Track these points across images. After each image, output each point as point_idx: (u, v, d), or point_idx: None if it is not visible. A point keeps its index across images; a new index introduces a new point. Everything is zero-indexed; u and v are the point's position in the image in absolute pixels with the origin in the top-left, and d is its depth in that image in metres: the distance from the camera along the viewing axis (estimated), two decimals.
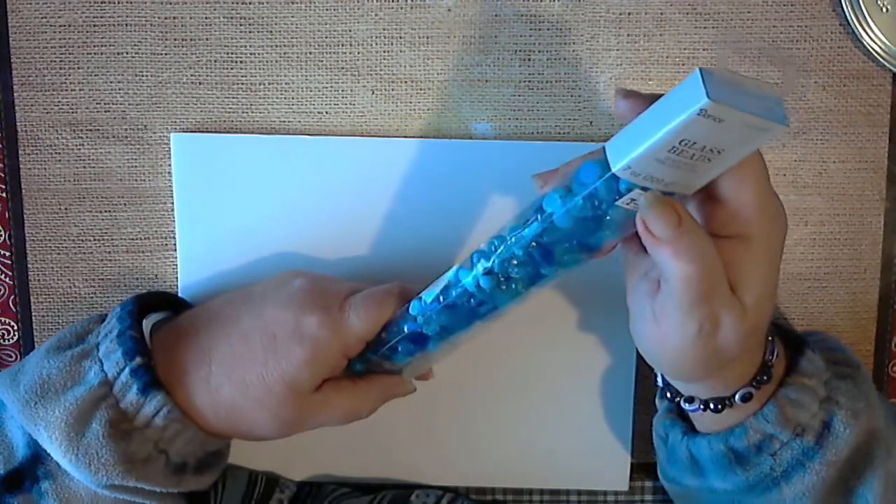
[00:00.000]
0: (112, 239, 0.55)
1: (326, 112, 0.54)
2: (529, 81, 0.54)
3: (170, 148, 0.53)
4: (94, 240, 0.55)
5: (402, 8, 0.53)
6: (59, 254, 0.55)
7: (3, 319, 0.56)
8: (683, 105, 0.36)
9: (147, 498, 0.46)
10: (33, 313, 0.55)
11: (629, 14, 0.53)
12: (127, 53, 0.53)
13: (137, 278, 0.55)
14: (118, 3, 0.53)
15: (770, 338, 0.46)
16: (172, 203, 0.54)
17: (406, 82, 0.54)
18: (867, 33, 0.52)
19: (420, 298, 0.45)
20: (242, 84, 0.53)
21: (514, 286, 0.43)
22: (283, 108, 0.54)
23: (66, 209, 0.54)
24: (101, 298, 0.55)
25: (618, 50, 0.53)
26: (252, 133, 0.54)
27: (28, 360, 0.47)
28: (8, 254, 0.55)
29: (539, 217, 0.41)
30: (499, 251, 0.42)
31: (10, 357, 0.56)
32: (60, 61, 0.53)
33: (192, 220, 0.54)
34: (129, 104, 0.53)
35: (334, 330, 0.45)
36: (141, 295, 0.50)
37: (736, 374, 0.45)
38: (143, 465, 0.45)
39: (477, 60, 0.53)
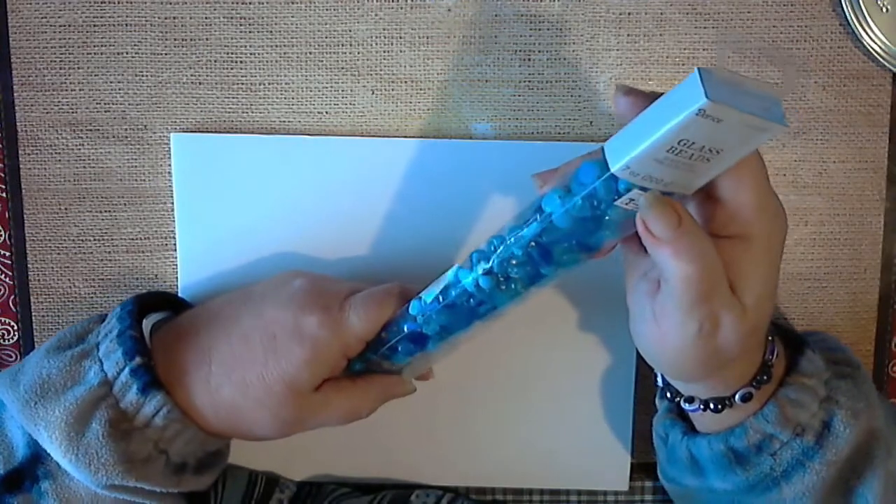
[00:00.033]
0: (112, 239, 0.55)
1: (326, 112, 0.54)
2: (529, 81, 0.54)
3: (170, 148, 0.53)
4: (94, 240, 0.55)
5: (402, 8, 0.53)
6: (59, 254, 0.55)
7: (3, 319, 0.56)
8: (682, 105, 0.35)
9: (147, 498, 0.46)
10: (33, 313, 0.55)
11: (629, 14, 0.53)
12: (127, 53, 0.53)
13: (137, 278, 0.55)
14: (118, 3, 0.53)
15: (770, 338, 0.45)
16: (172, 203, 0.54)
17: (406, 82, 0.54)
18: (867, 33, 0.52)
19: (420, 298, 0.45)
20: (242, 84, 0.53)
21: (513, 286, 0.43)
22: (283, 108, 0.54)
23: (66, 209, 0.54)
24: (101, 298, 0.55)
25: (618, 50, 0.53)
26: (252, 133, 0.54)
27: (28, 360, 0.47)
28: (8, 254, 0.55)
29: (538, 217, 0.41)
30: (498, 251, 0.42)
31: (10, 357, 0.56)
32: (60, 61, 0.53)
33: (192, 220, 0.54)
34: (129, 104, 0.53)
35: (334, 330, 0.45)
36: (141, 295, 0.50)
37: (736, 374, 0.45)
38: (143, 465, 0.45)
39: (477, 60, 0.53)
